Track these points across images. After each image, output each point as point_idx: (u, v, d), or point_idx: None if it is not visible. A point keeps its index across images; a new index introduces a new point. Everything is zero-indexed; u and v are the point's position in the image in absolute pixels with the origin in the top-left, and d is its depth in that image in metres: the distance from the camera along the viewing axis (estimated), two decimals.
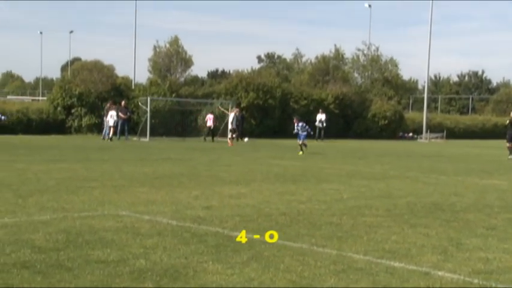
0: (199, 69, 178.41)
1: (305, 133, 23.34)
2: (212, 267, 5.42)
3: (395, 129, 45.18)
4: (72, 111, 36.43)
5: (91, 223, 7.35)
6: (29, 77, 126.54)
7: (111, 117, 31.10)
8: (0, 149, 20.60)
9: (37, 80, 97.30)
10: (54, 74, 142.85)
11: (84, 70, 38.04)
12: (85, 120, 36.19)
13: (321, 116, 37.75)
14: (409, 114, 52.76)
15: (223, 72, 77.00)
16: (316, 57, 51.81)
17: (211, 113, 34.46)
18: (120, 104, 33.00)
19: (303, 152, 22.67)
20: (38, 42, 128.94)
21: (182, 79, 44.63)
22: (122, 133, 31.81)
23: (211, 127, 33.37)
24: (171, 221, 7.67)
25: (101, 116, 34.18)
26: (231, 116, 31.90)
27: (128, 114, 32.48)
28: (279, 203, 9.66)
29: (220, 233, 7.01)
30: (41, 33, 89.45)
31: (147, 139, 32.00)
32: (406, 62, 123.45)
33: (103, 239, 6.46)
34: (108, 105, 32.26)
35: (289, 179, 13.39)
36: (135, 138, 31.65)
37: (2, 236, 6.44)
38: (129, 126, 32.46)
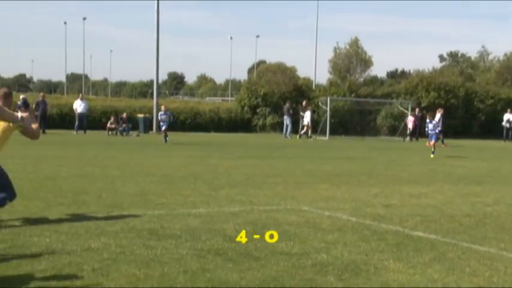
0: (379, 69, 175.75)
1: (437, 132, 19.74)
2: (393, 266, 5.28)
3: None
4: (257, 110, 38.00)
5: (275, 216, 7.58)
6: (220, 79, 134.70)
7: (305, 117, 32.07)
8: (196, 146, 22.20)
9: (227, 81, 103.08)
10: (242, 76, 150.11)
11: (269, 72, 39.49)
12: (269, 119, 37.54)
13: (509, 116, 34.94)
14: None
15: (403, 72, 74.81)
16: (505, 55, 48.12)
17: (412, 115, 33.64)
18: (301, 103, 33.71)
19: (433, 155, 19.12)
20: (229, 47, 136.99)
21: (361, 79, 44.24)
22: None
23: (411, 129, 32.80)
24: (350, 218, 7.62)
25: (283, 115, 35.22)
26: (437, 116, 30.65)
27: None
28: (463, 204, 9.12)
29: (400, 232, 6.81)
30: (231, 38, 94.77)
31: (326, 138, 32.25)
32: None
33: (286, 232, 6.62)
34: (287, 104, 33.14)
35: (474, 181, 12.57)
36: (314, 137, 32.04)
37: (198, 224, 6.92)
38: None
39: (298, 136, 31.42)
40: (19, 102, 27.15)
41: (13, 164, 12.13)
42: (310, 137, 31.66)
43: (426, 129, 20.51)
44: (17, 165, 12.43)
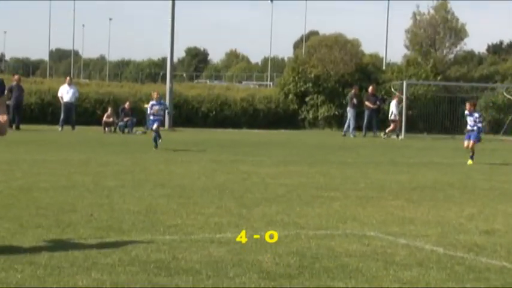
0: (476, 42, 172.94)
1: (477, 131, 18.82)
2: None
3: None
4: (306, 99, 37.92)
5: (330, 244, 7.50)
6: (256, 57, 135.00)
7: (391, 108, 31.85)
8: (223, 147, 22.25)
9: (265, 60, 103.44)
10: (286, 52, 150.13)
11: (322, 47, 39.31)
12: (321, 111, 37.41)
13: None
14: None
15: (510, 45, 73.81)
16: None
17: None
18: (366, 90, 33.52)
19: (472, 161, 18.50)
20: (268, 13, 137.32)
21: (451, 56, 43.65)
22: (369, 128, 32.25)
23: None
24: (436, 248, 7.52)
25: (342, 106, 34.99)
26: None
27: (377, 103, 32.81)
28: None
29: (507, 269, 6.66)
30: (271, 1, 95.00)
31: (402, 136, 31.99)
32: None
33: (345, 266, 6.55)
34: (353, 91, 32.97)
35: None
36: (382, 135, 31.79)
37: (225, 254, 6.89)
38: (377, 119, 32.76)
39: (396, 136, 31.56)
40: None
41: None
42: (385, 133, 31.39)
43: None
44: None
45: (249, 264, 6.51)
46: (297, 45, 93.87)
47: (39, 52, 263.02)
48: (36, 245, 7.04)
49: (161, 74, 78.97)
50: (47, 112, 33.81)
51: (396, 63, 42.38)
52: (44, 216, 8.70)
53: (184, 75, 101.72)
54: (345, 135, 31.85)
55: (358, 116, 32.45)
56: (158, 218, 8.82)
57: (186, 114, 35.92)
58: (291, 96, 38.32)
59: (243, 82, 78.62)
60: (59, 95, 30.70)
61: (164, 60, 66.29)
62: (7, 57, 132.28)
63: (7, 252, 6.68)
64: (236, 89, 44.22)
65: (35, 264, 6.23)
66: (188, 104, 36.37)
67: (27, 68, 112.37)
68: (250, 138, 27.82)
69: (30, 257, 6.49)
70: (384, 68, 40.82)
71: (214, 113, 36.95)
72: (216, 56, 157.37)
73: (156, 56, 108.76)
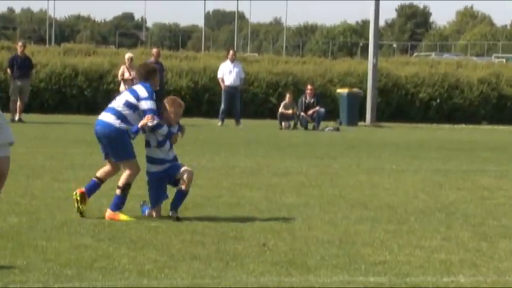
0: None
1: None
2: None
3: None
4: None
5: None
6: (502, 18, 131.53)
7: None
8: (452, 151, 22.06)
9: None
10: None
11: None
12: None
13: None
14: None
15: None
16: None
17: None
18: None
19: None
20: None
21: None
22: None
23: None
24: None
25: None
26: None
27: None
28: None
29: None
30: None
31: None
32: None
33: None
34: None
35: None
36: None
37: None
38: None
39: None
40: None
41: None
42: None
43: None
44: None
45: None
46: None
47: (191, 16, 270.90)
48: (192, 283, 7.37)
49: (361, 44, 79.37)
50: (201, 100, 34.70)
51: None
52: (201, 244, 9.07)
53: (395, 45, 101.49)
54: None
55: None
56: (358, 252, 8.94)
57: (397, 103, 35.87)
58: None
59: (485, 57, 76.87)
60: (219, 76, 31.22)
61: (365, 24, 66.56)
62: (149, 23, 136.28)
63: None
64: (472, 66, 43.49)
65: None
66: (400, 89, 36.24)
67: (176, 37, 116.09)
68: (493, 139, 27.38)
69: None
70: None
71: (438, 101, 36.64)
72: (442, 17, 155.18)
73: (353, 19, 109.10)
